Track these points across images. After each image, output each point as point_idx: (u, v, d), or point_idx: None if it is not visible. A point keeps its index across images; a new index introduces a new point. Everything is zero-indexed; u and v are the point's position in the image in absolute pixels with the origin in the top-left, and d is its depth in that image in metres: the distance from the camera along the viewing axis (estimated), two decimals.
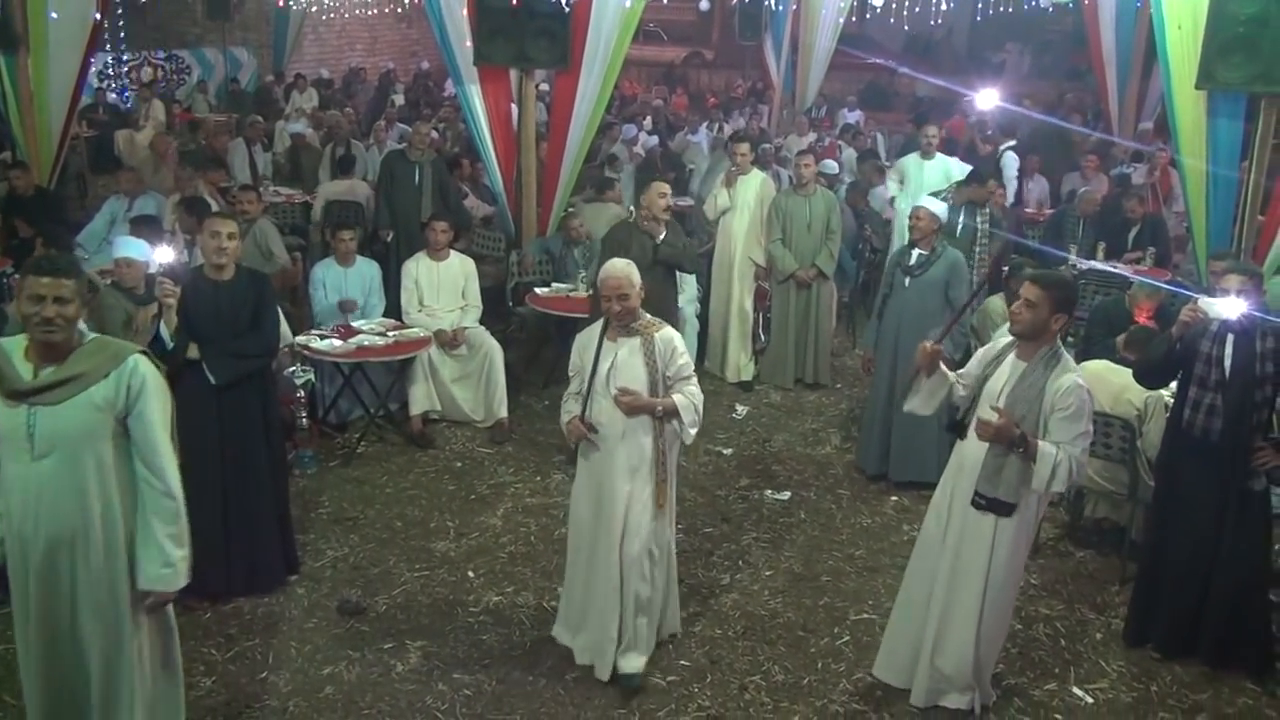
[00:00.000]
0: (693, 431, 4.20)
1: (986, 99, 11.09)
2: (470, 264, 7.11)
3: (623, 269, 4.18)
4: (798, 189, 7.56)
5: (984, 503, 3.87)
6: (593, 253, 7.50)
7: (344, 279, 6.89)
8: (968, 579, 3.98)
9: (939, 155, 8.71)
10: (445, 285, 6.94)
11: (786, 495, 6.06)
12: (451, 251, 7.04)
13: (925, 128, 9.03)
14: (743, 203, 7.66)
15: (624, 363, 4.16)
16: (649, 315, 4.27)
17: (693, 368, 4.28)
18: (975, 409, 3.96)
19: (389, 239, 8.13)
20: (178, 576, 3.32)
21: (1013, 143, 11.27)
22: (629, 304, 4.15)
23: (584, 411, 4.21)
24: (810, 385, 7.69)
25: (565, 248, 7.89)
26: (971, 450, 3.95)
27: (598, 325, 4.29)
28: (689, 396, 4.15)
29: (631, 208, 5.85)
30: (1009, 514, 3.86)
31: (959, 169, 8.31)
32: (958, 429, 4.04)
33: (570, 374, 4.36)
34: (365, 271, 7.03)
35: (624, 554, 4.22)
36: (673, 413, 4.14)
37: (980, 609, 3.98)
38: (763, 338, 7.99)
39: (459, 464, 6.38)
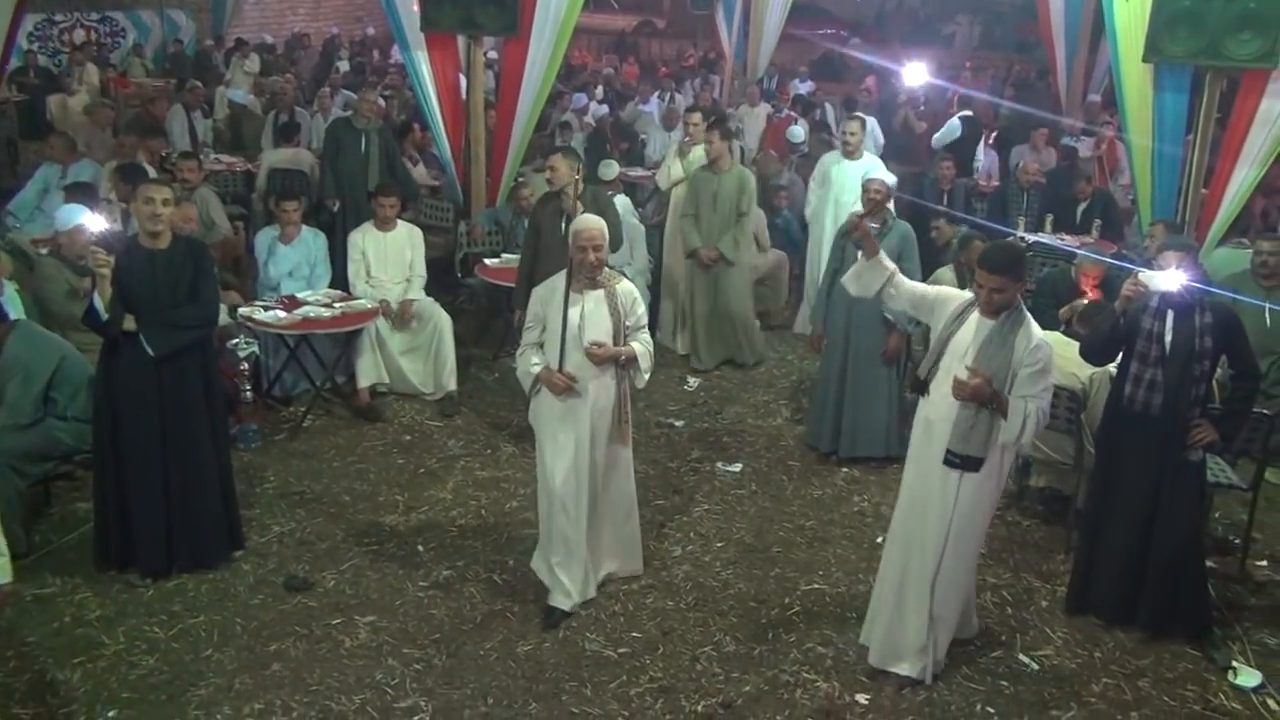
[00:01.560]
0: (646, 376, 4.55)
1: (915, 74, 10.61)
2: (418, 234, 6.98)
3: (596, 222, 4.41)
4: (709, 165, 7.25)
5: (957, 461, 3.94)
6: None
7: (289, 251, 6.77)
8: (930, 536, 4.04)
9: (867, 155, 7.69)
10: (392, 256, 6.80)
11: (738, 467, 6.07)
12: (399, 222, 6.91)
13: (848, 124, 7.79)
14: None
15: (591, 314, 4.39)
16: (609, 269, 4.50)
17: (647, 319, 4.61)
18: (939, 367, 4.02)
19: (335, 208, 7.95)
20: (7, 567, 2.96)
21: (968, 113, 11.26)
22: (602, 255, 4.38)
23: (560, 365, 4.38)
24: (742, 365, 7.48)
25: (515, 218, 7.78)
26: (935, 408, 4.01)
27: (559, 278, 4.46)
28: (644, 344, 4.50)
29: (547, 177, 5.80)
30: (978, 469, 3.94)
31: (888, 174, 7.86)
32: (920, 387, 4.10)
33: (528, 324, 4.53)
34: (310, 242, 6.89)
35: (611, 494, 4.58)
36: (632, 360, 4.46)
37: (937, 564, 4.03)
38: None
39: (407, 437, 6.29)
